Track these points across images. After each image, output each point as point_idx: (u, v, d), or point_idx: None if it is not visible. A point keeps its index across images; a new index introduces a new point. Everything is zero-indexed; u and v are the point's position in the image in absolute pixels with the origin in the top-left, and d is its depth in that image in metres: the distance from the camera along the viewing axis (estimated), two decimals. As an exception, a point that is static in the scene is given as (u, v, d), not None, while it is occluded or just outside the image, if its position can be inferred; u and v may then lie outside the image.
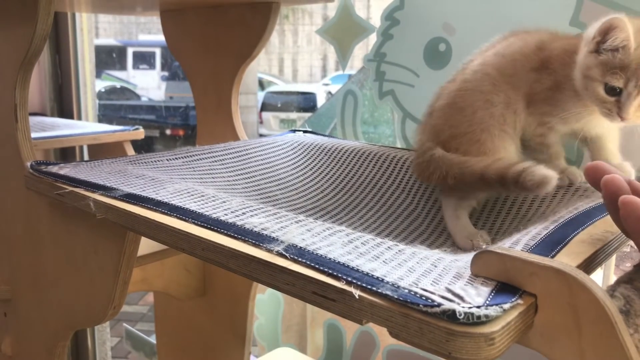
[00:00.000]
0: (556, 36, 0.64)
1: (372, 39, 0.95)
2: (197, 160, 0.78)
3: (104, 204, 0.56)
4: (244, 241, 0.46)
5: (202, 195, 0.58)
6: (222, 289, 1.10)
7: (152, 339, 1.52)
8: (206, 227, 0.49)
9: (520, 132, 0.63)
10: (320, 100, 6.59)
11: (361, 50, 0.99)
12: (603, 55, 0.54)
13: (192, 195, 0.58)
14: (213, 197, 0.58)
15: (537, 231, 0.47)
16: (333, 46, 1.01)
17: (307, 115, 6.38)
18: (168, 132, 6.98)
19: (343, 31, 1.00)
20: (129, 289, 0.66)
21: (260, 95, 6.78)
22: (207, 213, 0.52)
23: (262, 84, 7.89)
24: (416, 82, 0.89)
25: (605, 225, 0.51)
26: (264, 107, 6.77)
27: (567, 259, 0.42)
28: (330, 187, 0.81)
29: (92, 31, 1.64)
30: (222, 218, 0.51)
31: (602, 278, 1.17)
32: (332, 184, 0.82)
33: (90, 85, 1.55)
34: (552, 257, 0.42)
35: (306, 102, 6.92)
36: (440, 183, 0.63)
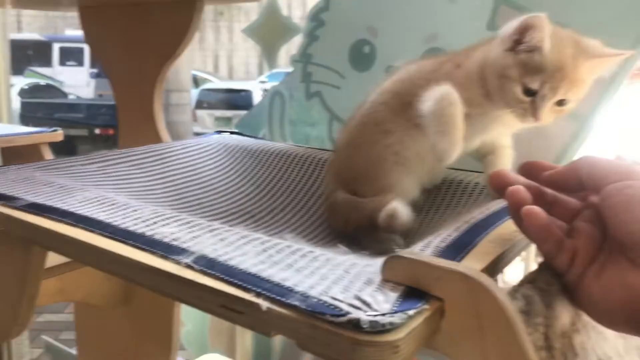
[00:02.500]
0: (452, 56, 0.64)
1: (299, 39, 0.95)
2: (114, 165, 0.75)
3: (4, 215, 0.52)
4: (152, 253, 0.44)
5: (113, 204, 0.55)
6: (145, 297, 1.06)
7: (74, 351, 1.46)
8: (113, 239, 0.47)
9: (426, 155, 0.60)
10: (257, 98, 6.55)
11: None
12: (521, 55, 0.54)
13: (102, 203, 0.55)
14: (124, 205, 0.55)
15: (448, 233, 0.48)
16: (259, 46, 1.00)
17: (243, 112, 6.32)
18: (97, 131, 6.74)
19: (269, 31, 0.99)
20: (45, 300, 0.63)
21: (195, 93, 6.66)
22: (115, 223, 0.50)
23: (196, 81, 7.76)
24: (342, 83, 0.90)
25: (514, 226, 0.52)
26: (199, 104, 6.66)
27: (474, 261, 0.43)
28: (255, 190, 0.80)
29: (7, 25, 1.55)
30: (131, 228, 0.49)
31: (523, 270, 1.22)
32: (257, 187, 0.81)
33: (4, 83, 1.47)
34: (460, 259, 0.43)
35: (242, 100, 6.86)
36: (346, 230, 0.61)
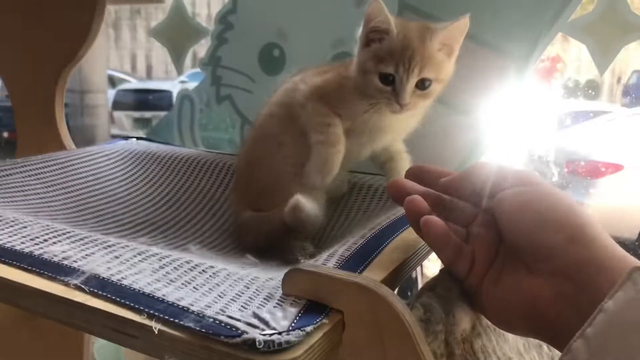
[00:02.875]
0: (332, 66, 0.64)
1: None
2: (7, 176, 0.70)
3: None
4: (39, 274, 0.41)
5: (0, 220, 0.51)
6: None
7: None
8: (-5, 260, 0.43)
9: None
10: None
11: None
12: (373, 45, 0.55)
13: (-13, 220, 0.51)
14: (13, 221, 0.51)
15: (353, 240, 0.48)
16: (167, 48, 0.97)
17: (163, 114, 6.15)
18: (5, 135, 6.33)
19: (177, 33, 0.95)
20: None
21: (111, 94, 6.40)
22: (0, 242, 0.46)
23: (113, 82, 7.46)
24: (253, 87, 0.88)
25: (419, 231, 0.53)
26: (116, 105, 6.39)
27: (377, 270, 0.43)
28: (162, 199, 0.77)
29: None
30: (17, 247, 0.45)
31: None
32: (164, 196, 0.78)
33: None
34: (363, 269, 0.42)
35: (162, 100, 6.64)
36: (257, 244, 0.60)
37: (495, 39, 0.68)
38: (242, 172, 0.66)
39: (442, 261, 0.43)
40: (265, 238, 0.58)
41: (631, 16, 0.64)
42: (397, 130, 0.61)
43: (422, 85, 0.55)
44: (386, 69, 0.54)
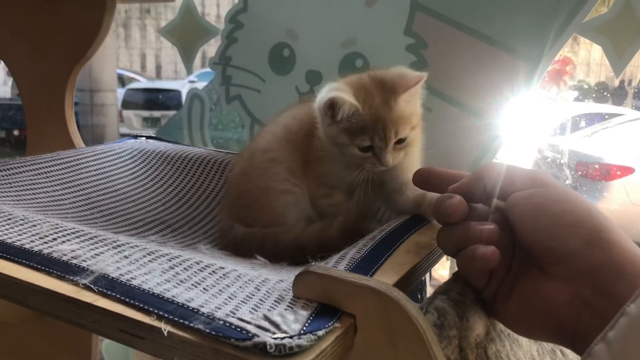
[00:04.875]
0: None
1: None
2: (16, 174, 0.70)
3: None
4: (48, 273, 0.41)
5: (9, 219, 0.51)
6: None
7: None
8: (4, 258, 0.43)
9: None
10: (186, 98, 6.39)
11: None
12: (342, 124, 0.55)
13: (-4, 218, 0.51)
14: (22, 220, 0.51)
15: (363, 243, 0.47)
16: (176, 48, 0.96)
17: (172, 113, 6.16)
18: (16, 132, 6.37)
19: (186, 32, 0.95)
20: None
21: (121, 93, 6.42)
22: (9, 241, 0.46)
23: (122, 81, 7.49)
24: (262, 87, 0.88)
25: (431, 232, 0.52)
26: (125, 104, 6.42)
27: (388, 273, 0.42)
28: (172, 198, 0.77)
29: None
30: (27, 246, 0.45)
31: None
32: (175, 195, 0.77)
33: None
34: (374, 272, 0.42)
35: (171, 100, 6.67)
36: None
37: (508, 40, 0.67)
38: (233, 183, 0.66)
39: (463, 274, 0.43)
40: (272, 255, 0.57)
41: (648, 17, 0.63)
42: (397, 169, 0.59)
43: (400, 142, 0.55)
44: (363, 143, 0.55)
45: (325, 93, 0.54)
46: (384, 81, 0.56)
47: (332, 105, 0.54)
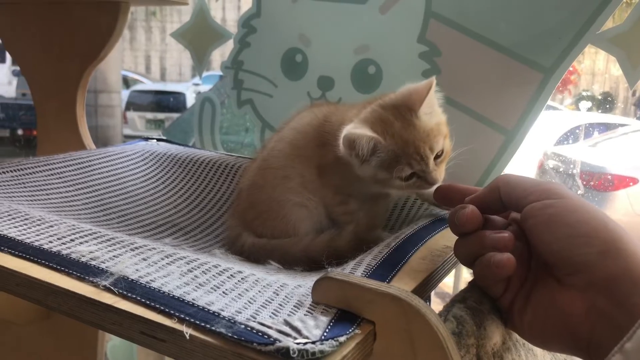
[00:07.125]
0: (338, 108, 0.64)
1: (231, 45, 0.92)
2: (29, 174, 0.70)
3: None
4: (67, 274, 0.41)
5: (26, 219, 0.51)
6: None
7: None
8: (24, 258, 0.43)
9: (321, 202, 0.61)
10: (190, 101, 6.41)
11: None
12: (373, 161, 0.53)
13: (14, 218, 0.51)
14: (39, 220, 0.51)
15: (379, 249, 0.47)
16: (189, 51, 0.97)
17: (176, 115, 6.17)
18: (20, 132, 6.39)
19: (199, 36, 0.95)
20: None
21: (125, 94, 6.44)
22: (27, 241, 0.46)
23: (127, 82, 7.51)
24: (274, 92, 0.88)
25: (444, 240, 0.52)
26: (129, 106, 6.44)
27: (406, 280, 0.42)
28: (184, 202, 0.77)
29: None
30: (45, 247, 0.45)
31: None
32: (186, 198, 0.78)
33: None
34: (391, 278, 0.42)
35: (175, 102, 6.69)
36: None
37: (522, 50, 0.68)
38: (243, 193, 0.66)
39: (480, 283, 0.43)
40: (278, 263, 0.57)
41: (662, 29, 0.63)
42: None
43: (438, 155, 0.54)
44: (403, 173, 0.53)
45: (341, 136, 0.53)
46: (396, 104, 0.54)
47: (350, 145, 0.52)
